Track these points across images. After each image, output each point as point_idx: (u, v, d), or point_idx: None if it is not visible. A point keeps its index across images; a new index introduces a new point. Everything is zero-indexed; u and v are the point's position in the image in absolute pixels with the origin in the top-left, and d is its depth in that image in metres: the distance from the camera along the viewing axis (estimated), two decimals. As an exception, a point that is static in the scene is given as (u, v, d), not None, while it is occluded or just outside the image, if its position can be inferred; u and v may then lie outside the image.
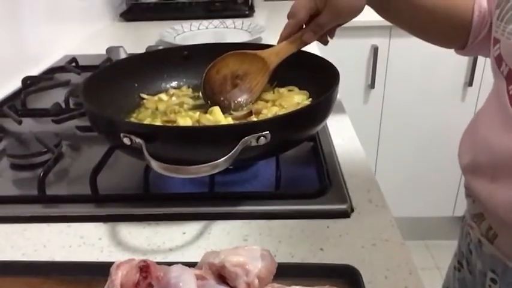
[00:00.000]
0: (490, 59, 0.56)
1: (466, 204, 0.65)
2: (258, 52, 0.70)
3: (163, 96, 0.75)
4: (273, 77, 0.73)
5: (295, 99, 0.70)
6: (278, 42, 0.69)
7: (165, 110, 0.70)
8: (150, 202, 0.59)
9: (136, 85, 0.76)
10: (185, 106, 0.72)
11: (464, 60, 1.71)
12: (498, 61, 0.53)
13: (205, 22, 1.48)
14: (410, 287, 0.45)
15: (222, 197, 0.60)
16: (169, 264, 0.40)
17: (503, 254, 0.55)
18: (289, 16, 0.68)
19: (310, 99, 0.71)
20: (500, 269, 0.56)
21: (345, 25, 0.67)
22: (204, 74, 0.70)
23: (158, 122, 0.67)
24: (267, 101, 0.72)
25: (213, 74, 0.71)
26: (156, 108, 0.71)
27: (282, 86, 0.75)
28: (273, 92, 0.74)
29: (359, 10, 0.64)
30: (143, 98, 0.75)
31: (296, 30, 0.68)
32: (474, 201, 0.61)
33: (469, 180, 0.60)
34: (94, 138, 0.72)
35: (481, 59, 1.65)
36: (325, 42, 0.69)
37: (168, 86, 0.79)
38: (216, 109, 0.66)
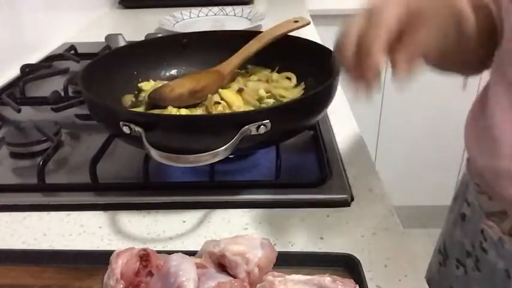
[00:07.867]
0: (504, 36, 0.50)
1: (475, 201, 0.60)
2: (212, 69, 0.72)
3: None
4: (273, 62, 0.74)
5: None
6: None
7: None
8: (150, 191, 0.59)
9: (135, 73, 0.75)
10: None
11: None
12: None
13: (204, 9, 1.47)
14: (410, 276, 0.45)
15: (222, 186, 0.60)
16: (169, 252, 0.41)
17: None
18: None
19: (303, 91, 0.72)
20: None
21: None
22: (155, 91, 0.69)
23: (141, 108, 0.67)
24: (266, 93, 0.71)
25: (166, 91, 0.68)
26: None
27: (280, 72, 0.75)
28: (267, 82, 0.74)
29: None
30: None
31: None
32: (491, 198, 0.57)
33: (489, 180, 0.54)
34: (93, 126, 0.71)
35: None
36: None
37: (167, 73, 0.78)
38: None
